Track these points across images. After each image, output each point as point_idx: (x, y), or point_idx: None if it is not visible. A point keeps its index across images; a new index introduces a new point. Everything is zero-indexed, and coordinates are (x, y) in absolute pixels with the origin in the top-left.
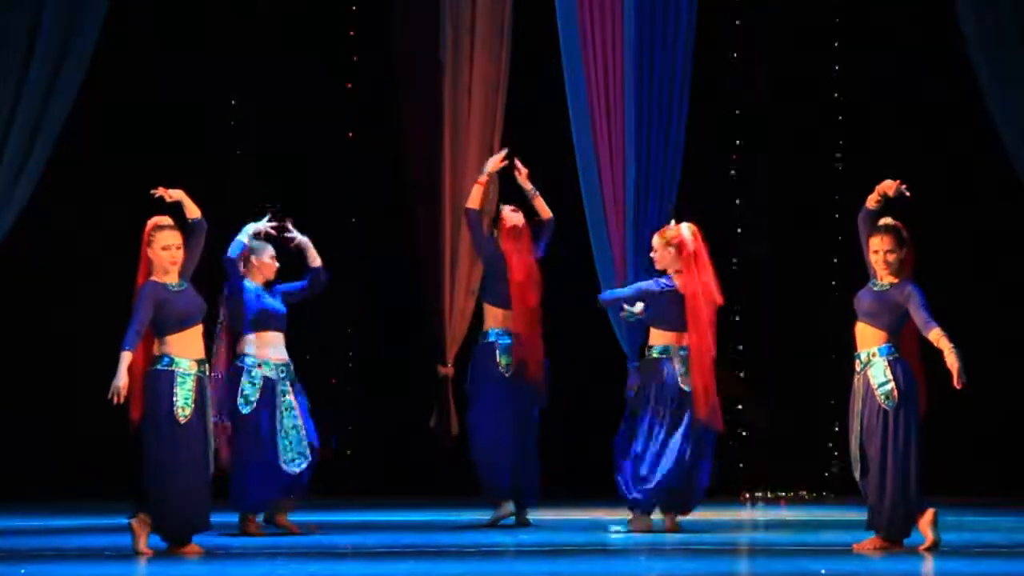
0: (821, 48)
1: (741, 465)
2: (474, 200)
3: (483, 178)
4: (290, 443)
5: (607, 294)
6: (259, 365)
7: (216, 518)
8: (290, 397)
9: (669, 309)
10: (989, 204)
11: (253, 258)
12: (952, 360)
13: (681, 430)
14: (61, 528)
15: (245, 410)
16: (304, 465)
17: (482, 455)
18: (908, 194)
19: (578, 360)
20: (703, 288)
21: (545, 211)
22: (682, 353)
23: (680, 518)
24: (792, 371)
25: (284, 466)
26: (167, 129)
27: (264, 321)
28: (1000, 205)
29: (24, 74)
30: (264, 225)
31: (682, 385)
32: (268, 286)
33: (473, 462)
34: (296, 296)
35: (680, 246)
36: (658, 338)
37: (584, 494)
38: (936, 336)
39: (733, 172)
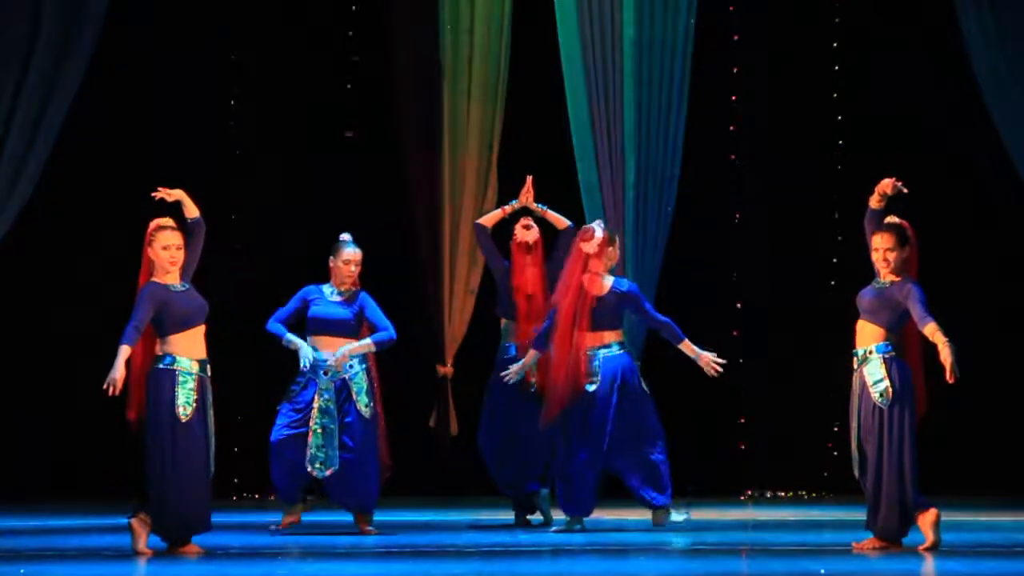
0: (821, 48)
1: (741, 467)
2: (488, 219)
3: (508, 207)
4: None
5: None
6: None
7: (216, 518)
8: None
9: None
10: (991, 205)
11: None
12: (946, 354)
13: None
14: (61, 528)
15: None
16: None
17: (492, 460)
18: (905, 190)
19: None
20: (578, 286)
21: (560, 222)
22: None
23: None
24: (792, 370)
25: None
26: (167, 130)
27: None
28: (1000, 205)
29: (24, 74)
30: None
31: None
32: (346, 291)
33: (482, 461)
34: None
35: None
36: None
37: None
38: (931, 331)
39: (733, 172)
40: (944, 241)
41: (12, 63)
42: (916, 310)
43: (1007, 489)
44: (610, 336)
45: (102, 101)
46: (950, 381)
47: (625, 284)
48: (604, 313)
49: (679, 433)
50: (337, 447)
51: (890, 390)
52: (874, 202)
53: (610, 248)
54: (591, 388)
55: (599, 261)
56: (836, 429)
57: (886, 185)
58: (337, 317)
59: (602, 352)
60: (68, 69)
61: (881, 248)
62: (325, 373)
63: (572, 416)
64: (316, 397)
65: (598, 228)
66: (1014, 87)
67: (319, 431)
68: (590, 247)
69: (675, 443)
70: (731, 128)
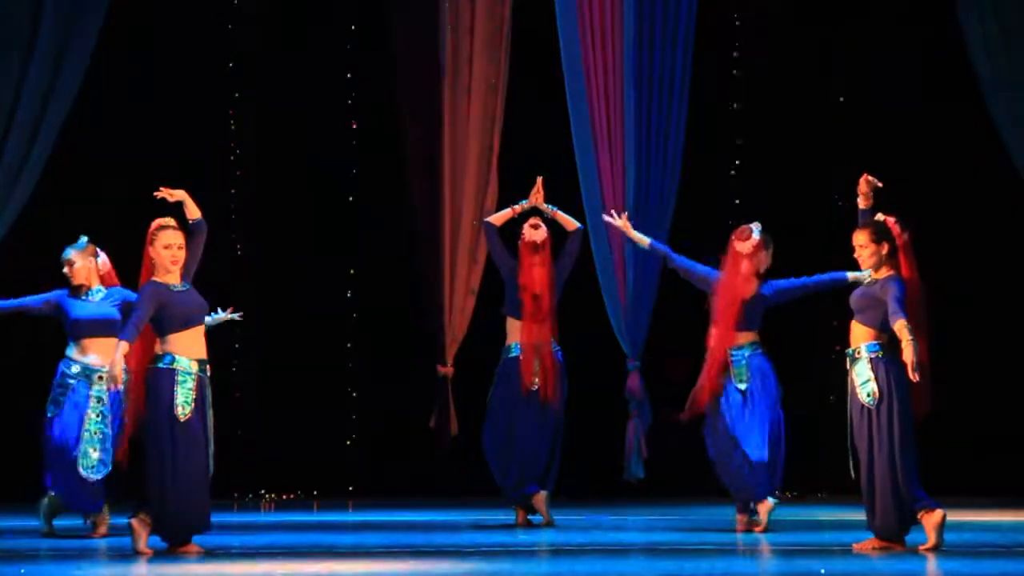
0: (821, 48)
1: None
2: (498, 218)
3: (518, 207)
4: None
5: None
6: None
7: (216, 518)
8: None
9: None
10: (989, 204)
11: None
12: (908, 353)
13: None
14: (61, 528)
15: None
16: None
17: (494, 459)
18: (879, 184)
19: (578, 359)
20: (730, 285)
21: (570, 223)
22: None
23: None
24: (792, 369)
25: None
26: (167, 130)
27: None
28: (1001, 205)
29: (24, 74)
30: None
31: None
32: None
33: (485, 461)
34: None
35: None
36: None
37: (583, 493)
38: (899, 327)
39: (733, 172)
40: (944, 241)
41: (12, 62)
42: (890, 305)
43: (1007, 489)
44: (751, 336)
45: (102, 101)
46: (912, 379)
47: (768, 287)
48: (749, 314)
49: (679, 432)
50: (110, 449)
51: (876, 391)
52: (860, 203)
53: (764, 252)
54: (742, 386)
55: (751, 263)
56: (836, 428)
57: (860, 184)
58: (106, 317)
59: (747, 351)
60: (68, 69)
61: (855, 245)
62: (100, 379)
63: (723, 415)
64: (90, 400)
65: (755, 230)
66: (1014, 87)
67: (95, 434)
68: (745, 247)
69: (675, 442)
70: (731, 127)
